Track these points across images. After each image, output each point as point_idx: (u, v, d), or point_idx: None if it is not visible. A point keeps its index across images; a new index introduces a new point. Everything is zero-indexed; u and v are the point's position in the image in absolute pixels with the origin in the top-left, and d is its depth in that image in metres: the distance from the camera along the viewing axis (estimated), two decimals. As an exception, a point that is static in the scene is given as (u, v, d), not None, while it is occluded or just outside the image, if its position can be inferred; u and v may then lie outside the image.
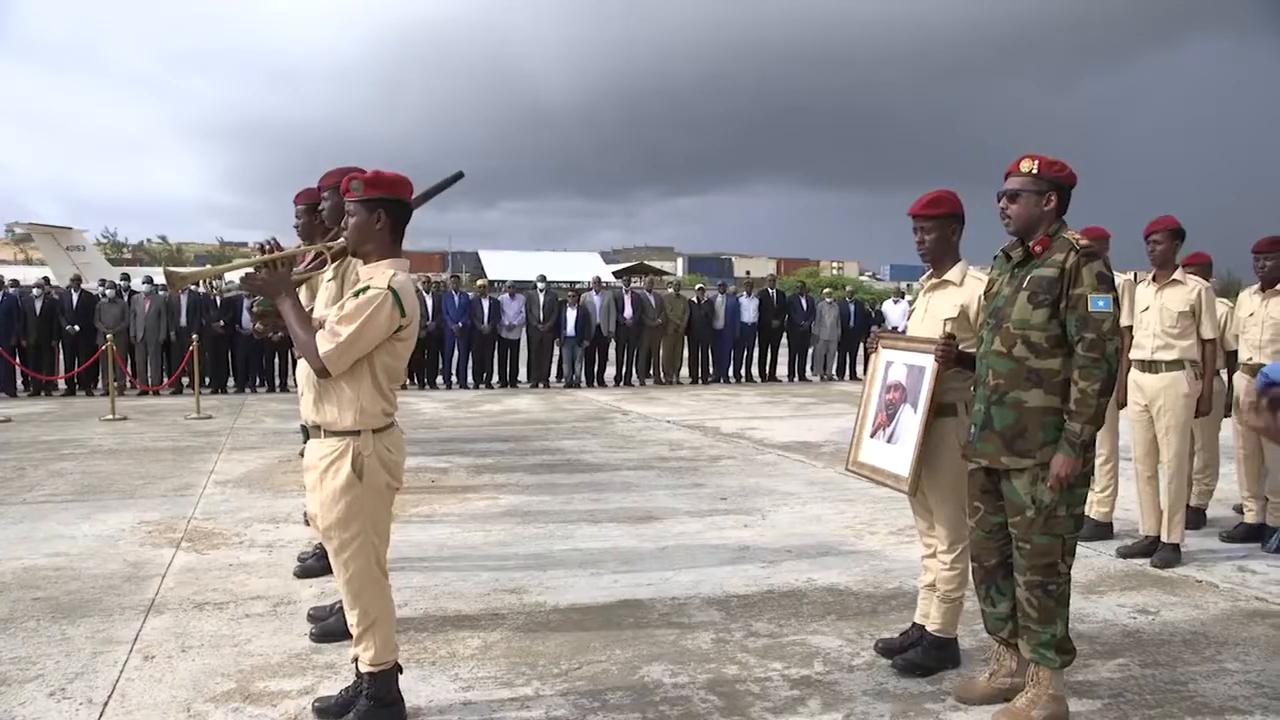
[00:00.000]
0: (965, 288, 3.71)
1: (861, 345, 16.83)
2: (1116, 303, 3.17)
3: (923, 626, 3.86)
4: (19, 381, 14.11)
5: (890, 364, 3.90)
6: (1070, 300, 3.15)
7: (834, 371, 17.45)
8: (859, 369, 17.17)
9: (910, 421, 3.69)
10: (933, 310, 3.81)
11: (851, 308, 17.64)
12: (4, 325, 13.67)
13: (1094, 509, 5.75)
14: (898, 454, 3.73)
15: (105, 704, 3.49)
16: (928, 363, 3.62)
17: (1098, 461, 5.28)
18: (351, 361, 3.07)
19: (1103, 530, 5.82)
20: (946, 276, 3.77)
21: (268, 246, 3.40)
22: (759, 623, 4.36)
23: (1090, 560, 5.31)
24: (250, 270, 3.33)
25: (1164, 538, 5.32)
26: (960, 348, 3.57)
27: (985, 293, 3.54)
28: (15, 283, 15.74)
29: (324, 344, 3.03)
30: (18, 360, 13.81)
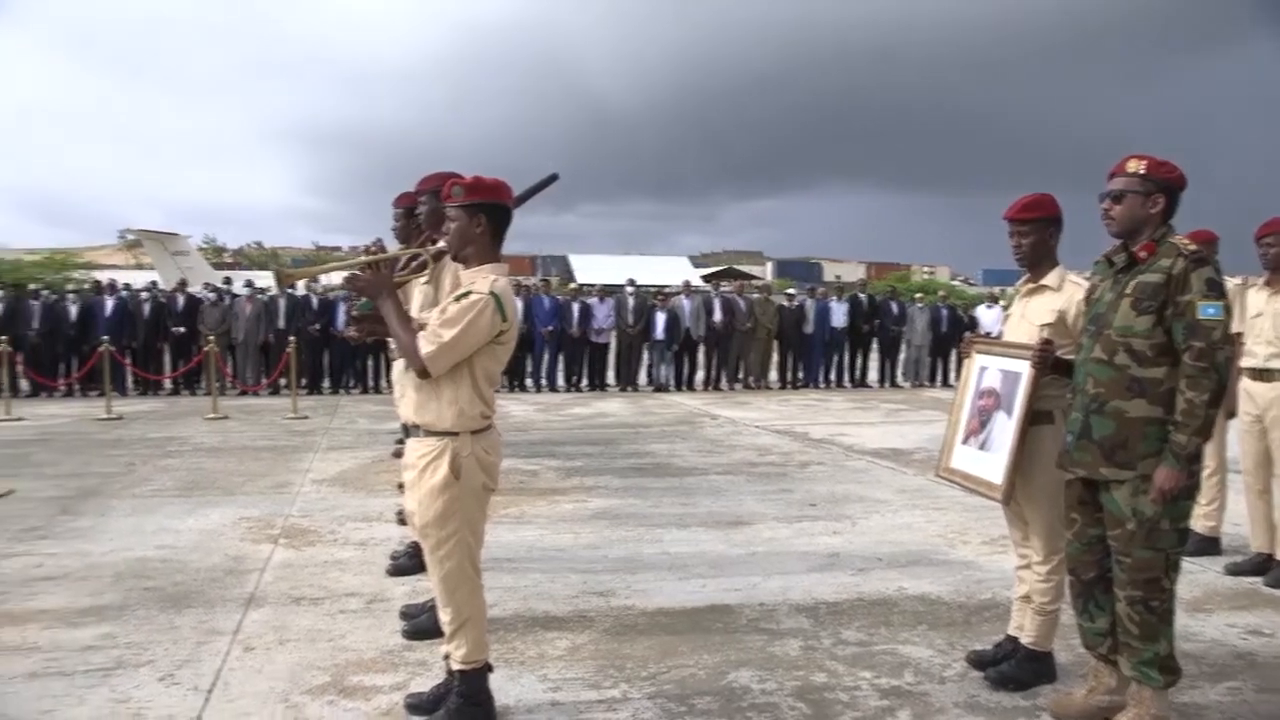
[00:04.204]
0: (1063, 293, 3.63)
1: (954, 351, 16.52)
2: (1227, 310, 3.05)
3: (1016, 639, 3.78)
4: (129, 381, 14.67)
5: (984, 370, 3.83)
6: (1177, 307, 3.04)
7: (925, 377, 17.15)
8: (951, 375, 16.86)
9: (1004, 429, 3.61)
10: (1029, 316, 3.73)
11: (944, 313, 17.32)
12: (116, 327, 14.25)
13: (1199, 522, 5.52)
14: (991, 461, 3.66)
15: (210, 691, 3.63)
16: (1023, 369, 3.54)
17: (1204, 474, 5.07)
18: (452, 364, 3.13)
19: (1208, 545, 5.60)
20: (1044, 281, 3.69)
21: (373, 248, 3.49)
22: (848, 631, 4.32)
23: (1195, 576, 5.12)
24: (355, 271, 3.41)
25: (1277, 555, 5.11)
26: (1058, 354, 3.48)
27: (1086, 298, 3.44)
28: (127, 286, 16.40)
29: (426, 345, 3.09)
30: (128, 361, 14.39)
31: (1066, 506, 3.40)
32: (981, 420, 3.76)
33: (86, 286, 18.65)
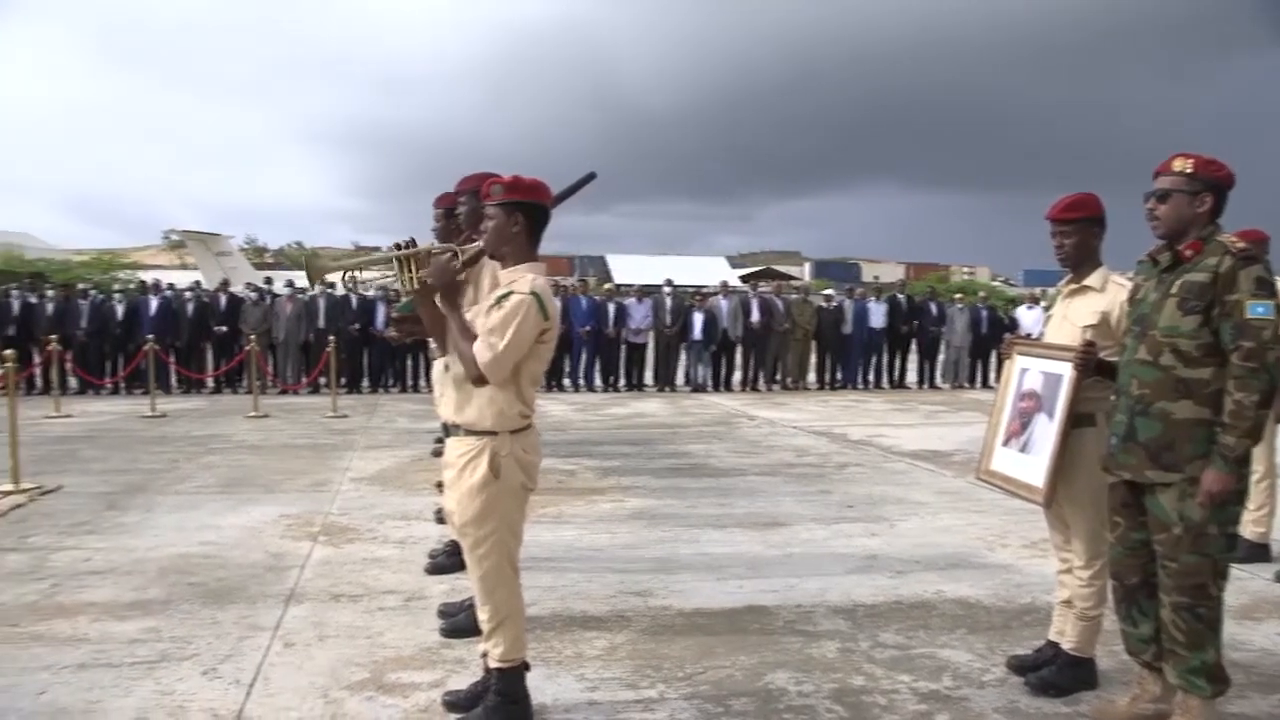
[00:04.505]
0: (1107, 294, 3.58)
1: (994, 352, 16.36)
2: (1278, 309, 2.99)
3: (1058, 644, 3.73)
4: (172, 379, 14.89)
5: (1025, 371, 3.78)
6: (1225, 307, 2.98)
7: (965, 379, 16.99)
8: (991, 377, 16.70)
9: (1046, 431, 3.57)
10: (1071, 317, 3.68)
11: (983, 313, 17.14)
12: (160, 326, 14.49)
13: (1248, 529, 5.41)
14: (1032, 464, 3.62)
15: (251, 685, 3.68)
16: (1065, 371, 3.50)
17: (1253, 478, 4.98)
18: (510, 369, 3.14)
19: (1258, 552, 5.49)
20: (1087, 282, 3.64)
21: (403, 244, 3.51)
22: (886, 633, 4.29)
23: (1244, 583, 5.03)
24: (397, 259, 3.42)
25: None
26: (1100, 356, 3.44)
27: (1129, 299, 3.39)
28: (171, 286, 16.65)
29: (483, 354, 3.10)
30: (172, 359, 14.60)
31: (1110, 510, 3.35)
32: (1023, 422, 3.72)
33: (132, 286, 18.95)
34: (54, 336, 13.08)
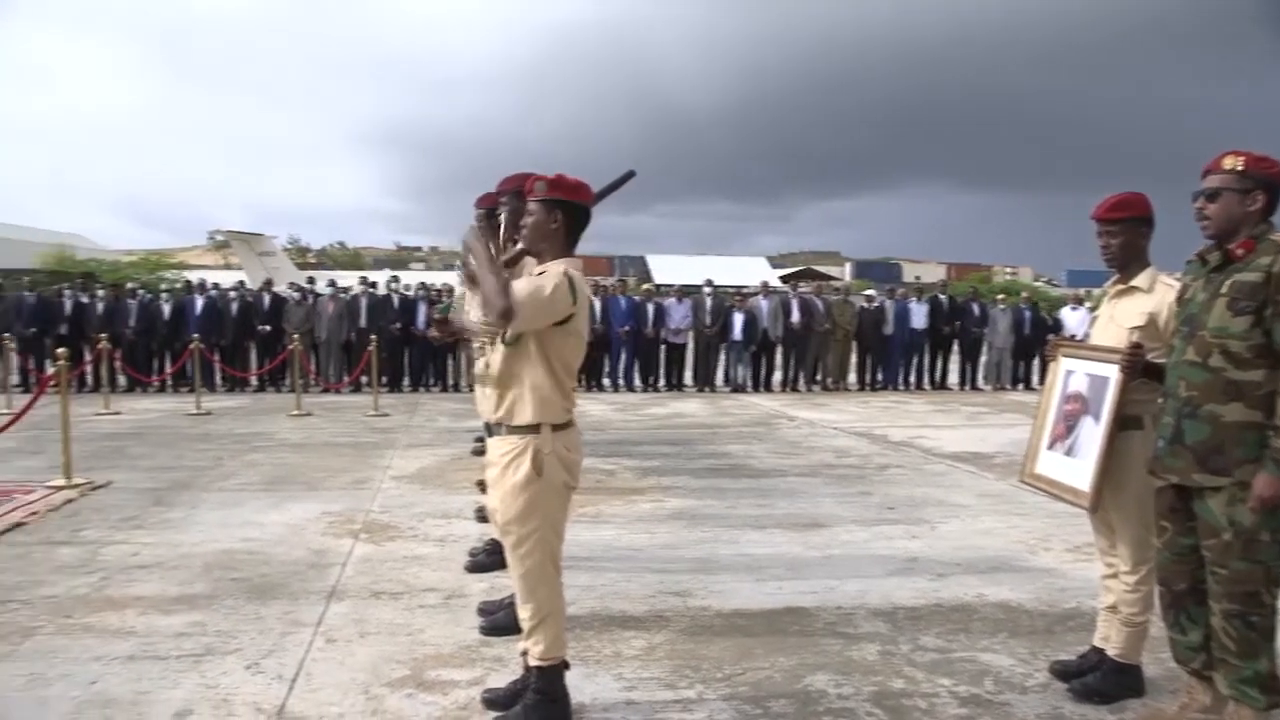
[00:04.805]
0: (1154, 294, 3.52)
1: (1037, 354, 16.17)
2: None
3: (1102, 650, 3.68)
4: (217, 377, 15.10)
5: (1070, 373, 3.74)
6: (1277, 306, 2.92)
7: (1007, 380, 16.81)
8: (1034, 378, 16.52)
9: (1091, 434, 3.52)
10: (1118, 318, 3.63)
11: (1026, 314, 16.93)
12: (205, 325, 14.72)
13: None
14: (1077, 467, 3.57)
15: (293, 680, 3.73)
16: (1111, 373, 3.45)
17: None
18: (534, 319, 3.11)
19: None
20: (1134, 283, 3.58)
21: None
22: (926, 636, 4.26)
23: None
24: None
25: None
26: (1148, 358, 3.38)
27: (1178, 299, 3.33)
28: (216, 286, 16.90)
29: (518, 291, 3.07)
30: (217, 358, 14.81)
31: (1157, 514, 3.30)
32: (1068, 425, 3.68)
33: (178, 286, 19.26)
34: (104, 335, 13.35)
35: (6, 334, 13.99)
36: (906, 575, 5.22)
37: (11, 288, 15.67)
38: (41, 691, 3.62)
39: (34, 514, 6.38)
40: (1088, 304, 15.75)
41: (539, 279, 3.14)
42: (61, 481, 7.25)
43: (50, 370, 8.86)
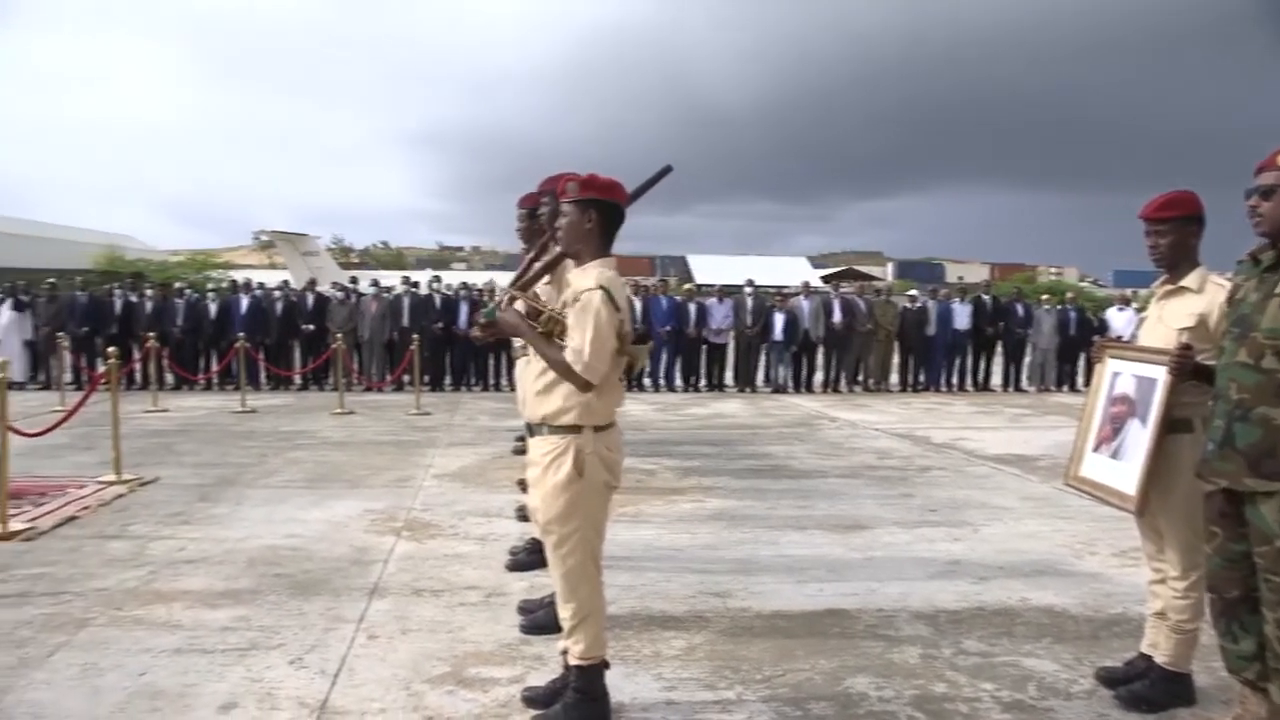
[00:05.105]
0: (1205, 295, 3.45)
1: (1082, 355, 15.97)
2: None
3: (1150, 657, 3.62)
4: (262, 376, 15.28)
5: (1117, 375, 3.68)
6: None
7: (1051, 382, 16.60)
8: (1079, 380, 16.32)
9: (1138, 437, 3.47)
10: (1166, 319, 3.57)
11: (1072, 315, 16.70)
12: (250, 325, 14.93)
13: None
14: (1124, 471, 3.52)
15: (336, 676, 3.77)
16: (1159, 374, 3.39)
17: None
18: (606, 364, 3.15)
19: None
20: (1183, 283, 3.52)
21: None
22: (969, 640, 4.22)
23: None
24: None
25: None
26: (1197, 359, 3.32)
27: (1229, 300, 3.27)
28: (261, 285, 17.12)
29: (575, 362, 3.12)
30: (262, 356, 15.00)
31: (1206, 520, 3.23)
32: (1114, 427, 3.63)
33: (224, 286, 19.55)
34: (152, 334, 13.58)
35: (60, 333, 14.29)
36: (949, 578, 5.17)
37: (64, 288, 15.99)
38: (95, 681, 3.70)
39: (86, 508, 6.51)
40: (1134, 305, 15.52)
41: (586, 318, 3.13)
42: (112, 477, 7.39)
43: (101, 369, 9.03)
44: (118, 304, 15.40)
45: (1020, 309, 16.75)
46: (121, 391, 8.31)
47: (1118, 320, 15.61)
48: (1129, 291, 22.48)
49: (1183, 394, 3.35)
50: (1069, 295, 20.13)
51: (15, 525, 5.87)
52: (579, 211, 3.29)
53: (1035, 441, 10.24)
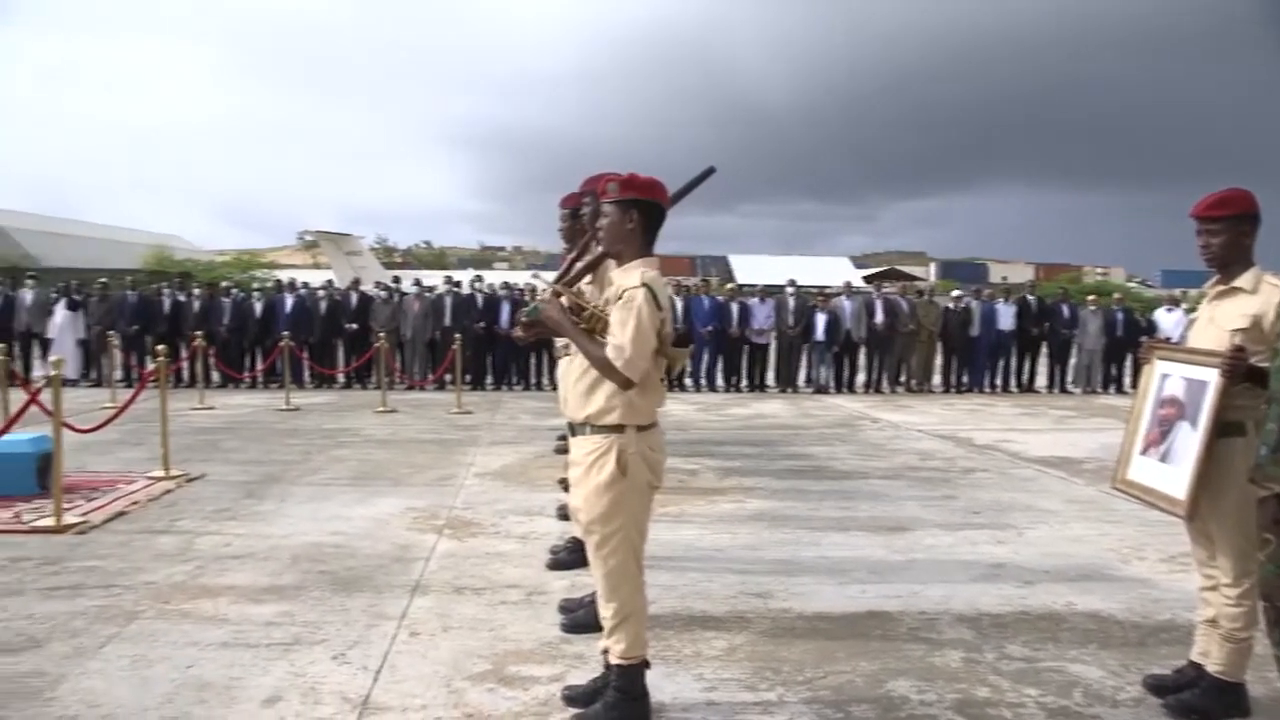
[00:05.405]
0: (1259, 295, 3.38)
1: (1129, 356, 15.72)
2: None
3: (1201, 666, 3.55)
4: (306, 374, 15.47)
5: (1166, 377, 3.62)
6: None
7: (1098, 384, 16.36)
8: (1126, 382, 16.06)
9: (1188, 440, 3.40)
10: (1218, 320, 3.50)
11: (1119, 316, 16.43)
12: (295, 324, 15.12)
13: None
14: (1173, 475, 3.45)
15: (378, 672, 3.80)
16: (1210, 377, 3.33)
17: None
18: (646, 363, 3.15)
19: None
20: (1236, 283, 3.45)
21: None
22: (1013, 645, 4.17)
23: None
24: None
25: None
26: (1250, 361, 3.25)
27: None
28: (305, 285, 17.32)
29: (616, 359, 3.12)
30: (306, 355, 15.18)
31: (1259, 526, 3.15)
32: (1162, 430, 3.56)
33: (269, 285, 19.79)
34: (199, 333, 13.79)
35: (111, 332, 14.57)
36: (992, 581, 5.12)
37: (115, 287, 16.29)
38: (144, 672, 3.76)
39: (135, 503, 6.63)
40: (1184, 305, 15.26)
41: (629, 315, 3.13)
42: (160, 473, 7.52)
43: (150, 366, 9.19)
44: (166, 303, 15.67)
45: (1065, 309, 16.52)
46: (169, 389, 8.44)
47: (1166, 321, 15.36)
48: (1178, 292, 22.12)
49: (1235, 397, 3.28)
50: (1116, 295, 19.84)
51: (69, 519, 5.99)
52: (620, 212, 3.29)
53: (1081, 444, 10.10)
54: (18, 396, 7.77)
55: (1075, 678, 3.82)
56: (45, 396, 6.21)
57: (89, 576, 4.99)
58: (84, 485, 7.10)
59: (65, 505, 6.11)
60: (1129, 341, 15.69)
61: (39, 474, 6.70)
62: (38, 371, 14.18)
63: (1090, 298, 17.54)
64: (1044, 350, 16.61)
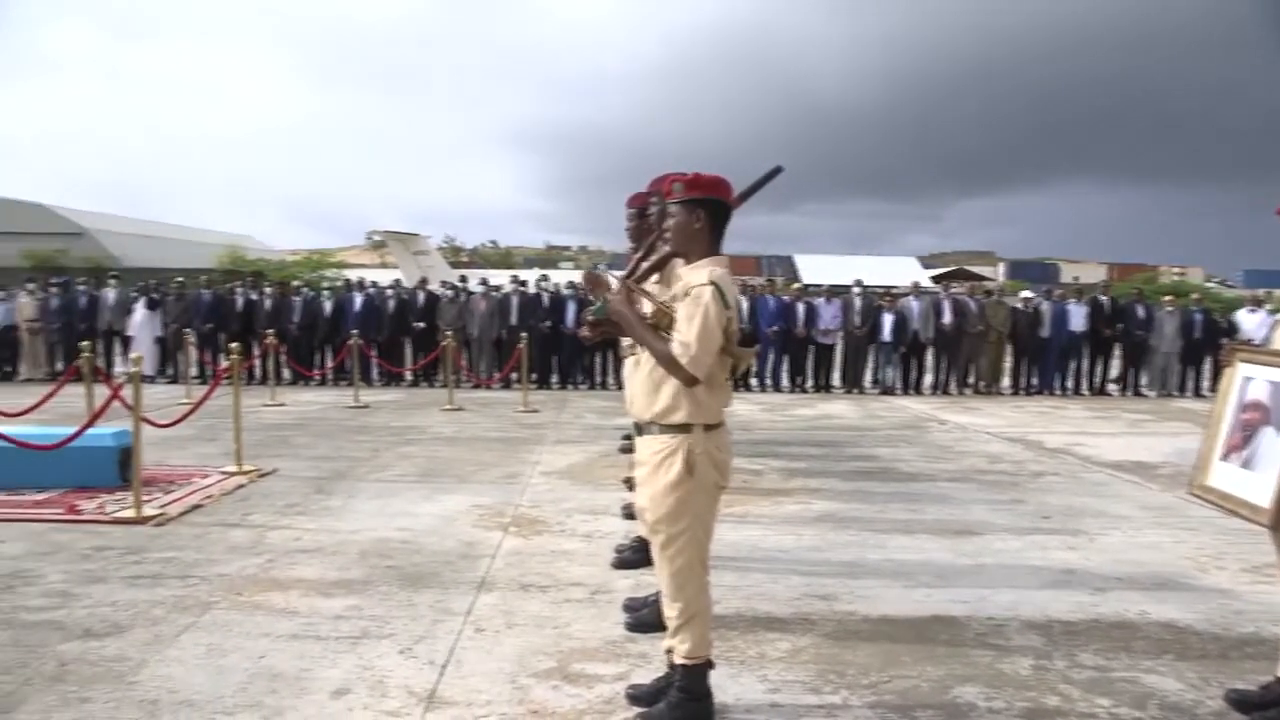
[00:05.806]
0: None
1: (1208, 359, 15.29)
2: None
3: (1287, 680, 3.44)
4: (374, 372, 15.69)
5: (1249, 380, 3.52)
6: None
7: (1174, 387, 15.93)
8: (1204, 385, 15.62)
9: (1273, 446, 3.31)
10: (1305, 322, 3.39)
11: (1197, 317, 15.94)
12: (364, 322, 15.35)
13: None
14: (1256, 481, 3.36)
15: (444, 667, 3.85)
16: (1296, 381, 3.23)
17: None
18: (711, 361, 3.14)
19: None
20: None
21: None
22: (1084, 653, 4.08)
23: None
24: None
25: None
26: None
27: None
28: (374, 284, 17.58)
29: (681, 355, 3.11)
30: (374, 353, 15.40)
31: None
32: (1245, 435, 3.46)
33: (339, 284, 20.14)
34: (271, 331, 14.08)
35: (186, 329, 14.94)
36: (1063, 588, 5.02)
37: (190, 286, 16.71)
38: (219, 661, 3.86)
39: (210, 497, 6.80)
40: (1268, 306, 14.79)
41: (696, 311, 3.12)
42: (233, 468, 7.69)
43: (224, 364, 9.41)
44: (239, 302, 16.03)
45: (1140, 310, 16.10)
46: (242, 386, 8.63)
47: (1249, 322, 14.89)
48: (1261, 292, 21.46)
49: (1322, 402, 3.18)
50: (1194, 296, 19.32)
51: (148, 510, 6.17)
52: (686, 211, 3.29)
53: (1156, 448, 9.84)
54: (101, 392, 8.00)
55: (1150, 689, 3.73)
56: (126, 392, 6.40)
57: (167, 567, 5.13)
58: (162, 478, 7.30)
59: (144, 497, 6.31)
60: (1207, 343, 15.25)
61: (120, 467, 6.90)
62: (119, 368, 14.60)
63: (1166, 298, 17.10)
64: (1117, 352, 16.23)
